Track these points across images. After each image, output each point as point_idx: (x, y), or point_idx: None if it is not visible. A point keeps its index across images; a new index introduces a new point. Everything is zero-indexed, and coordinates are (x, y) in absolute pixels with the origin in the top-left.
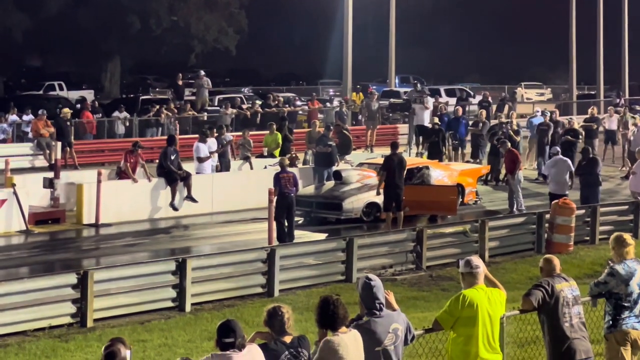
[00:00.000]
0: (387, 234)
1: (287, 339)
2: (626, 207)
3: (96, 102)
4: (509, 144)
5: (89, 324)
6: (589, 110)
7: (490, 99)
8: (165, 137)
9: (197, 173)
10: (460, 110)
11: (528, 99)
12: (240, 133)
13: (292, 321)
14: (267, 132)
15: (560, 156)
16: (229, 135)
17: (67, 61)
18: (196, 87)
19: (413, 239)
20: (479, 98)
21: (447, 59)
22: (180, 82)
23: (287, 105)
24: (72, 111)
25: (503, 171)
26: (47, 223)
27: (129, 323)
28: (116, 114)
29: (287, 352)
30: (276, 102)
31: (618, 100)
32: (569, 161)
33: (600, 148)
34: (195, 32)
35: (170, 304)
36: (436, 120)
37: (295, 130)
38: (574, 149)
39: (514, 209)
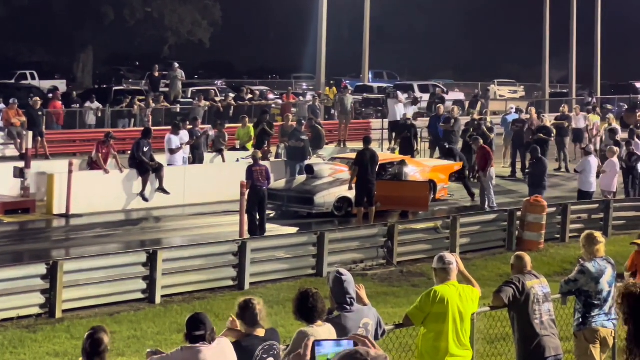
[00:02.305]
0: (359, 229)
1: (261, 332)
2: (597, 205)
3: (74, 93)
4: (481, 141)
5: (58, 314)
6: (560, 109)
7: (443, 95)
8: (138, 129)
9: (168, 165)
10: (442, 108)
11: (501, 96)
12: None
13: (264, 314)
14: (240, 125)
15: (592, 155)
16: (209, 129)
17: (40, 51)
18: (170, 79)
19: (384, 234)
20: (452, 94)
21: (420, 55)
22: (156, 74)
23: (260, 99)
24: (42, 101)
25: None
26: (17, 213)
27: (98, 314)
28: (88, 104)
29: (260, 347)
30: (252, 95)
31: (590, 99)
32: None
33: (570, 146)
34: (169, 24)
35: (140, 295)
36: (408, 115)
37: None
38: (546, 147)
39: (485, 206)
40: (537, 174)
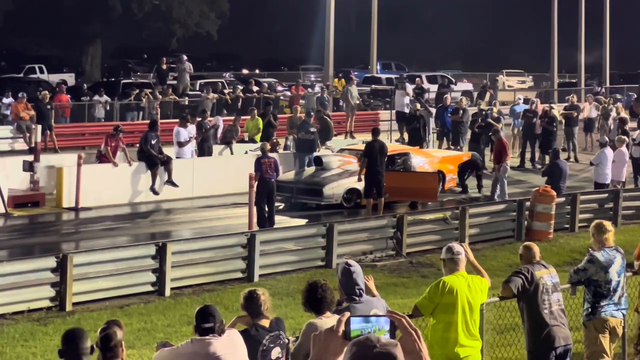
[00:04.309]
0: (368, 220)
1: (266, 323)
2: (606, 195)
3: (85, 85)
4: (502, 133)
5: (68, 307)
6: (569, 98)
7: (423, 85)
8: (146, 121)
9: (177, 157)
10: (449, 99)
11: (509, 86)
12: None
13: (269, 304)
14: (249, 117)
15: (609, 147)
16: (220, 120)
17: (48, 44)
18: (178, 72)
19: (393, 225)
20: (461, 85)
21: (428, 46)
22: (164, 66)
23: (269, 91)
24: (50, 94)
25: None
26: (27, 206)
27: (108, 307)
28: (96, 97)
29: (267, 337)
30: (260, 87)
31: (599, 89)
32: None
33: (580, 136)
34: (177, 16)
35: (149, 288)
36: (418, 106)
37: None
38: (551, 137)
39: (495, 197)
40: (554, 178)
